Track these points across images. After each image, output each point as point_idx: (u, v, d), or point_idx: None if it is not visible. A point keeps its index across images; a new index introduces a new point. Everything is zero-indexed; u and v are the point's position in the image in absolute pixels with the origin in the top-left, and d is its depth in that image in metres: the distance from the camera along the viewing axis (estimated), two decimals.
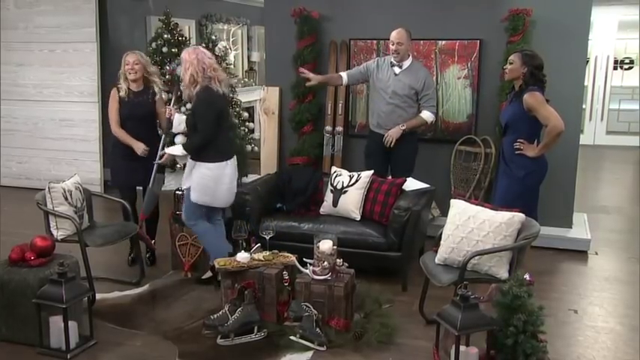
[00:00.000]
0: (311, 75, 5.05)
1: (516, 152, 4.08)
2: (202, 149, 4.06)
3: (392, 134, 4.77)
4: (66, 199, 4.06)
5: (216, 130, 4.02)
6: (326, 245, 3.63)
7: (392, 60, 4.86)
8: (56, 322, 3.38)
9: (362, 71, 5.06)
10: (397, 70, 4.84)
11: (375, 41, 5.62)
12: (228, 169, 4.13)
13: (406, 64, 4.85)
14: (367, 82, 5.17)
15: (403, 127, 4.77)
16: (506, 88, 4.85)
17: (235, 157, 4.25)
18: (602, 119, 10.70)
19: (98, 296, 4.03)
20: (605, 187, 8.08)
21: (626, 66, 10.70)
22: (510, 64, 4.09)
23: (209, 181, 4.09)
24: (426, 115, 4.85)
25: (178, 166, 7.39)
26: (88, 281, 3.90)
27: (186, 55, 4.02)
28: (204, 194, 4.12)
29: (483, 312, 3.10)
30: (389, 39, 5.08)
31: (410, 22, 5.47)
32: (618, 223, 6.25)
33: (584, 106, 9.85)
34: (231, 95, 3.94)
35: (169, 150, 4.32)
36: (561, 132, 3.94)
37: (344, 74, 5.12)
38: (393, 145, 4.79)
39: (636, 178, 8.36)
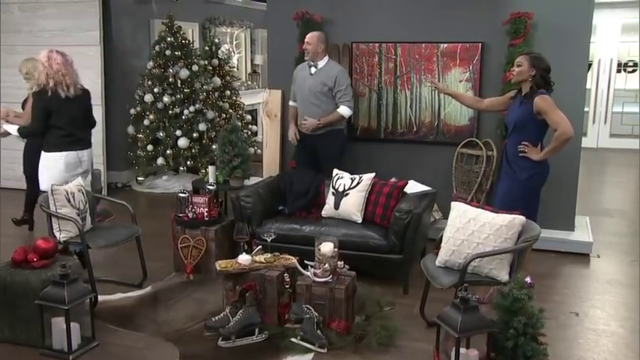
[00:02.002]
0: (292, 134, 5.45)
1: (520, 155, 4.08)
2: (42, 140, 4.59)
3: (307, 124, 5.17)
4: (69, 201, 4.08)
5: (45, 126, 4.50)
6: (327, 247, 3.64)
7: (309, 61, 5.19)
8: (58, 323, 3.40)
9: (293, 82, 5.39)
10: (313, 70, 5.18)
11: (377, 44, 5.63)
12: (63, 161, 4.54)
13: (321, 64, 5.16)
14: None
15: (319, 122, 5.11)
16: (507, 90, 4.85)
17: (80, 151, 4.63)
18: (605, 122, 10.66)
19: (100, 298, 4.05)
20: (608, 190, 8.07)
21: (629, 69, 10.67)
22: (518, 66, 4.06)
23: (43, 169, 4.58)
24: (342, 110, 5.13)
25: (182, 168, 7.45)
26: (90, 283, 3.93)
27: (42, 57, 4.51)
28: (41, 181, 4.58)
29: (483, 314, 3.10)
30: (391, 42, 5.08)
31: (412, 26, 5.52)
32: (621, 226, 6.24)
33: (587, 109, 9.86)
34: (69, 96, 4.56)
35: (6, 125, 4.81)
36: (570, 138, 3.90)
37: (291, 103, 5.49)
38: (310, 132, 5.16)
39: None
